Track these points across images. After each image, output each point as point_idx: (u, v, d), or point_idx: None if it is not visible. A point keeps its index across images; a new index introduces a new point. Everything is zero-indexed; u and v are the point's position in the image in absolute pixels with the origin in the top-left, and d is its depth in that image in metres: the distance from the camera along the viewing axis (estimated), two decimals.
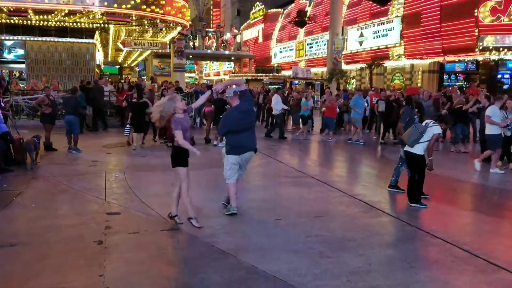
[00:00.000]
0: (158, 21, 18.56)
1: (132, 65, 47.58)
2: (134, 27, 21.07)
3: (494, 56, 22.49)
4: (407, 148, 6.90)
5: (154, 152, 11.39)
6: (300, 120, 15.33)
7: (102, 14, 17.16)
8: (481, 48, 21.97)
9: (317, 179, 8.64)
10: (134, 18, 18.01)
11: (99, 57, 29.48)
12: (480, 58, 23.16)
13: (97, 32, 21.88)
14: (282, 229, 5.69)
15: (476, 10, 21.76)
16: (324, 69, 34.62)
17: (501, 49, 21.65)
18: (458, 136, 12.29)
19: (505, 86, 23.03)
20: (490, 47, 21.84)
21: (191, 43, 44.51)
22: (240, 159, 6.17)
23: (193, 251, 4.93)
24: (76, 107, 11.40)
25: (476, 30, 21.92)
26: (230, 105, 6.35)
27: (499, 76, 24.18)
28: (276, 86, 30.21)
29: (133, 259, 4.60)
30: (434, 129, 6.69)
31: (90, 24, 19.52)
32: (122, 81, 20.69)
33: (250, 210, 6.48)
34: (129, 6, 16.78)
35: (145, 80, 30.24)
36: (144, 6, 17.03)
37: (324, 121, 15.00)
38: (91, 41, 21.07)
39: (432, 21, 24.90)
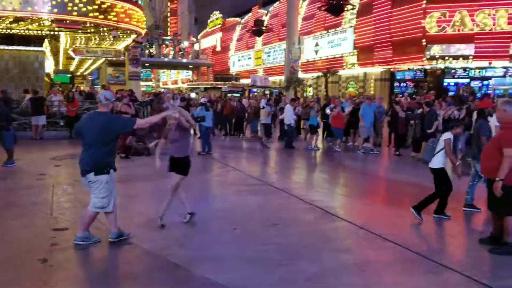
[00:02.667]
0: (111, 28, 18.13)
1: (85, 73, 46.30)
2: (86, 35, 20.50)
3: (441, 65, 23.47)
4: (429, 165, 6.76)
5: None
6: (310, 129, 15.08)
7: (52, 21, 16.56)
8: (428, 57, 22.86)
9: (274, 187, 8.64)
10: (85, 25, 17.50)
11: (49, 65, 28.47)
12: (427, 66, 24.10)
13: (46, 40, 21.12)
14: (239, 238, 5.62)
15: (423, 20, 22.64)
16: (282, 77, 35.03)
17: (446, 57, 22.63)
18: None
19: (451, 93, 24.03)
20: (437, 56, 22.77)
21: (147, 51, 43.92)
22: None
23: (144, 265, 4.77)
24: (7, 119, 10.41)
25: (424, 40, 22.79)
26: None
27: (446, 83, 25.25)
28: (236, 94, 30.28)
29: (80, 277, 4.39)
30: (444, 135, 6.66)
31: (39, 32, 18.82)
32: (73, 90, 20.04)
33: (207, 220, 6.36)
34: (80, 13, 16.31)
35: (98, 89, 29.50)
36: (97, 13, 16.58)
37: (332, 131, 14.53)
38: (40, 49, 20.28)
39: (383, 29, 25.70)
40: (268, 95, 31.76)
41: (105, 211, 5.34)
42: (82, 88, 26.11)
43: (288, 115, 14.54)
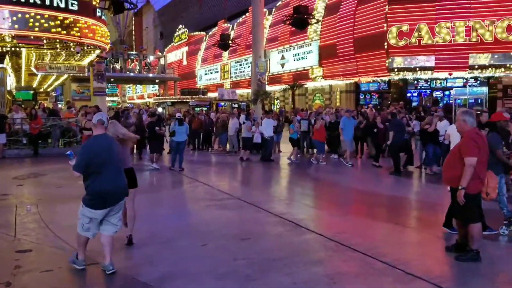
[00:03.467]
0: (74, 44, 17.81)
1: (48, 90, 45.17)
2: (48, 51, 20.05)
3: (404, 76, 24.20)
4: None
5: (71, 182, 10.74)
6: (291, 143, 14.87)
7: (13, 37, 16.16)
8: (391, 68, 23.53)
9: (243, 201, 8.63)
10: (48, 41, 17.14)
11: (10, 82, 27.68)
12: (393, 78, 24.78)
13: (7, 56, 20.54)
14: (209, 254, 5.57)
15: (385, 36, 23.31)
16: (249, 90, 35.18)
17: (408, 69, 23.37)
18: (430, 156, 11.99)
19: (414, 104, 24.80)
20: (399, 68, 23.48)
21: (112, 66, 43.30)
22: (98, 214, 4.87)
23: (113, 287, 4.65)
24: None
25: (387, 53, 23.45)
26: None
27: (409, 94, 26.02)
28: (204, 108, 30.20)
29: None
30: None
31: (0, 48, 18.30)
32: (36, 107, 19.52)
33: (176, 236, 6.29)
34: (42, 28, 15.98)
35: (62, 105, 28.85)
36: (59, 29, 16.29)
37: (313, 144, 14.75)
38: (0, 66, 19.75)
39: (347, 42, 26.29)
40: (235, 108, 31.84)
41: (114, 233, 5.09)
42: (45, 104, 25.40)
43: (267, 128, 14.56)
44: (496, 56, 21.93)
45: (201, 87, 44.07)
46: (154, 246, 5.83)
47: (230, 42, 30.77)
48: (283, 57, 33.12)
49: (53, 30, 16.04)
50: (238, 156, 16.18)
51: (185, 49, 51.26)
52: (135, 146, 13.66)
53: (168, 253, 5.61)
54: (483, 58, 22.15)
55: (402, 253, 5.58)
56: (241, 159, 14.76)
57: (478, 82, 24.05)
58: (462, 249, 5.39)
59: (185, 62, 51.34)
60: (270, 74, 34.09)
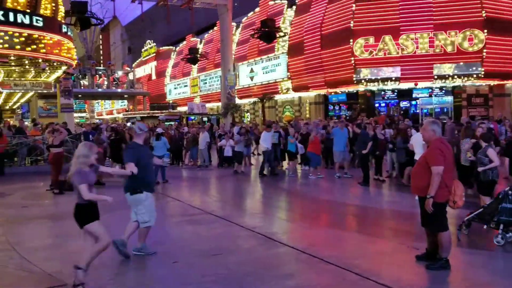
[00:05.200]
0: (40, 60, 17.51)
1: (14, 107, 43.98)
2: (13, 68, 19.61)
3: (372, 87, 24.74)
4: None
5: (38, 201, 10.52)
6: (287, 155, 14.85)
7: None
8: (358, 80, 24.04)
9: (214, 215, 8.59)
10: (12, 58, 16.80)
11: None
12: (360, 89, 25.27)
13: None
14: (179, 271, 5.52)
15: (351, 43, 23.80)
16: (219, 104, 35.24)
17: (375, 80, 23.93)
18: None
19: (382, 113, 25.32)
20: (366, 79, 24.01)
21: (80, 82, 42.67)
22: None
23: None
24: None
25: (353, 64, 23.95)
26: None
27: (377, 104, 26.58)
28: (172, 123, 29.97)
29: None
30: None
31: None
32: (1, 125, 19.01)
33: (144, 255, 6.20)
34: (6, 46, 15.65)
35: (28, 122, 28.12)
36: (24, 45, 16.01)
37: (307, 156, 14.13)
38: None
39: (314, 55, 26.71)
40: (206, 121, 31.80)
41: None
42: (11, 122, 24.73)
43: (266, 141, 14.15)
44: (459, 66, 22.68)
45: (171, 102, 43.81)
46: (120, 266, 5.73)
47: (198, 56, 30.84)
48: (252, 70, 33.36)
49: (18, 47, 15.77)
50: (209, 170, 16.15)
51: (153, 63, 50.96)
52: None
53: (136, 273, 5.55)
54: (447, 68, 22.90)
55: (374, 264, 5.64)
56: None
57: (443, 91, 24.79)
58: (432, 258, 5.45)
59: (154, 77, 51.00)
60: (239, 87, 34.24)
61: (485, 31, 22.15)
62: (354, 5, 24.06)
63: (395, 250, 6.37)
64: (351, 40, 23.73)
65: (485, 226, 6.56)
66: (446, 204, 5.40)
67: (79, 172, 4.93)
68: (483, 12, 22.29)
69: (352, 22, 23.86)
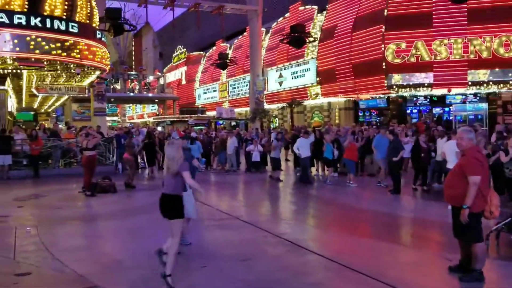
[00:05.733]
0: (74, 65, 18.00)
1: (49, 110, 45.38)
2: (49, 72, 20.24)
3: (405, 93, 24.33)
4: None
5: (71, 203, 10.78)
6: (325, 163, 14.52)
7: (14, 60, 16.33)
8: (389, 86, 23.67)
9: (242, 220, 8.61)
10: (48, 63, 17.33)
11: (11, 103, 27.85)
12: (392, 94, 24.91)
13: (8, 78, 20.74)
14: (208, 276, 5.55)
15: (383, 50, 23.51)
16: (247, 108, 35.37)
17: (407, 86, 23.52)
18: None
19: (414, 120, 24.86)
20: (398, 85, 23.62)
21: (113, 86, 43.64)
22: None
23: None
24: None
25: (385, 70, 23.62)
26: None
27: (408, 111, 26.11)
28: (201, 127, 30.30)
29: None
30: None
31: (0, 70, 18.47)
32: (37, 128, 19.60)
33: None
34: (43, 51, 16.17)
35: (62, 126, 28.91)
36: (60, 51, 16.49)
37: (345, 163, 13.94)
38: (1, 87, 19.94)
39: (344, 61, 26.50)
40: (235, 126, 31.97)
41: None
42: (46, 125, 25.50)
43: (303, 148, 13.68)
44: (495, 72, 22.05)
45: (200, 106, 44.27)
46: (151, 269, 5.78)
47: (228, 61, 31.06)
48: (281, 75, 33.36)
49: (54, 52, 16.23)
50: (237, 174, 16.17)
51: (184, 68, 51.66)
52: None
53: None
54: (482, 74, 22.30)
55: (405, 274, 5.53)
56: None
57: (478, 98, 24.13)
58: (466, 270, 5.30)
59: (184, 82, 51.69)
60: (268, 92, 34.28)
61: None
62: (386, 10, 23.78)
63: (427, 260, 6.22)
64: (383, 46, 23.44)
65: None
66: (481, 214, 5.25)
67: (183, 164, 5.37)
68: None
69: (384, 27, 23.58)
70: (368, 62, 24.52)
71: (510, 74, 21.84)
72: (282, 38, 23.94)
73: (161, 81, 50.06)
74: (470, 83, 22.42)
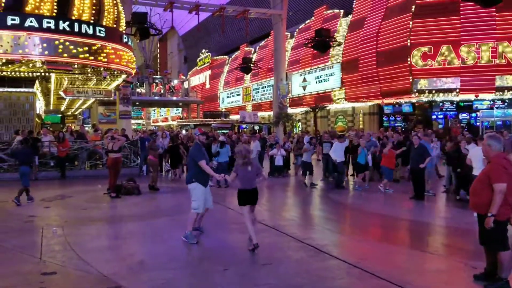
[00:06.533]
0: (101, 69, 18.36)
1: (76, 113, 46.41)
2: (76, 75, 20.70)
3: (431, 98, 23.93)
4: None
5: (96, 204, 10.95)
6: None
7: (43, 63, 16.76)
8: (415, 90, 23.32)
9: (265, 224, 8.58)
10: (76, 66, 17.72)
11: (40, 106, 28.58)
12: (415, 100, 24.54)
13: (37, 81, 21.28)
14: (230, 279, 5.55)
15: (409, 56, 23.21)
16: (271, 113, 35.38)
17: (433, 91, 23.12)
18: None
19: (440, 126, 24.42)
20: (424, 90, 23.26)
21: (138, 90, 44.33)
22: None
23: None
24: (29, 158, 11.41)
25: (410, 74, 23.29)
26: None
27: (434, 116, 25.65)
28: (225, 131, 30.44)
29: None
30: None
31: (30, 73, 18.98)
32: (64, 130, 20.04)
33: (197, 261, 6.30)
34: (71, 54, 16.55)
35: (88, 128, 29.50)
36: (87, 55, 16.85)
37: (382, 170, 13.57)
38: (30, 90, 20.44)
39: (369, 66, 26.25)
40: (257, 130, 32.00)
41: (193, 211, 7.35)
42: (73, 127, 26.08)
43: (337, 152, 13.47)
44: None
45: (223, 110, 44.54)
46: (176, 271, 5.83)
47: (252, 65, 31.17)
48: (304, 80, 33.28)
49: (81, 56, 16.59)
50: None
51: (208, 72, 52.09)
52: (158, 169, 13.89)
53: (188, 278, 5.61)
54: (510, 80, 21.77)
55: (428, 281, 5.44)
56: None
57: (506, 104, 23.55)
58: (491, 278, 5.20)
59: (208, 86, 52.11)
60: (291, 96, 34.22)
61: None
62: (413, 6, 23.46)
63: (451, 267, 6.10)
64: (409, 43, 23.12)
65: None
66: (507, 222, 5.15)
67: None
68: None
69: (410, 23, 23.25)
70: (393, 59, 24.22)
71: None
72: (306, 42, 23.89)
73: (185, 84, 50.59)
74: (497, 88, 21.92)
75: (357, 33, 27.64)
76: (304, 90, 33.37)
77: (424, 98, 24.07)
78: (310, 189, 13.45)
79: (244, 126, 37.17)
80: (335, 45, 24.83)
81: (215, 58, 51.49)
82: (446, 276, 5.71)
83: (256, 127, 34.43)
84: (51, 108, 37.43)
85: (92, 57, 16.96)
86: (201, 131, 9.88)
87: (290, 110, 33.59)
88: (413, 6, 23.40)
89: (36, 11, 16.00)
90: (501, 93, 22.16)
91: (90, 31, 16.86)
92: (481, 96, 23.10)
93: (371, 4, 27.33)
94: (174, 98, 47.43)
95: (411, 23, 23.37)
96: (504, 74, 21.78)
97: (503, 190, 4.93)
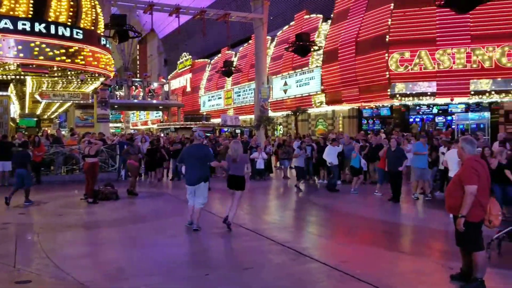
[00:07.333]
0: (79, 72, 18.07)
1: (52, 116, 45.53)
2: (53, 78, 20.33)
3: (408, 102, 24.28)
4: None
5: (73, 210, 10.73)
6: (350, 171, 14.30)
7: (18, 66, 16.41)
8: (392, 94, 23.64)
9: (246, 228, 8.54)
10: (52, 69, 17.39)
11: (14, 109, 27.97)
12: (396, 103, 24.87)
13: (11, 84, 20.83)
14: (211, 284, 5.49)
15: (386, 58, 23.49)
16: (252, 116, 35.37)
17: (410, 95, 23.47)
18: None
19: (418, 129, 24.77)
20: (401, 94, 23.58)
21: (116, 93, 43.79)
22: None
23: None
24: (26, 161, 11.35)
25: (388, 77, 23.59)
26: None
27: (411, 119, 26.05)
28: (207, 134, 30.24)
29: None
30: None
31: (4, 76, 18.56)
32: (39, 134, 19.61)
33: (178, 266, 6.20)
34: (47, 57, 16.25)
35: (65, 132, 28.97)
36: (64, 57, 16.55)
37: (377, 172, 13.64)
38: (4, 93, 20.03)
39: (348, 69, 26.49)
40: (238, 134, 31.95)
41: (202, 207, 8.35)
42: (49, 131, 25.53)
43: (330, 155, 13.60)
44: (497, 82, 22.01)
45: (205, 113, 44.34)
46: (153, 277, 5.73)
47: (233, 68, 31.11)
48: (285, 84, 33.41)
49: (58, 58, 16.31)
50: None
51: (188, 75, 51.81)
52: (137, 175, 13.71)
53: (169, 284, 5.51)
54: (484, 84, 22.25)
55: (408, 283, 5.50)
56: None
57: (480, 107, 24.07)
58: (467, 278, 5.29)
59: (188, 89, 51.81)
60: (273, 100, 34.30)
61: None
62: (390, 19, 23.79)
63: (429, 268, 6.18)
64: (386, 54, 23.44)
65: None
66: (481, 223, 5.26)
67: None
68: None
69: (388, 36, 23.60)
70: (372, 71, 24.51)
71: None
72: (287, 46, 23.96)
73: (166, 88, 50.19)
74: (472, 92, 22.38)
75: (339, 27, 27.90)
76: (285, 93, 33.49)
77: (397, 102, 24.43)
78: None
79: (225, 129, 37.08)
80: (315, 49, 24.99)
81: (196, 61, 51.27)
82: (424, 277, 5.77)
83: (238, 131, 34.35)
84: (27, 111, 36.68)
85: (69, 60, 16.69)
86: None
87: (271, 114, 33.66)
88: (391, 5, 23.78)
89: (11, 12, 15.66)
90: (476, 97, 22.62)
91: (67, 33, 16.59)
92: (456, 100, 23.54)
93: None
94: (154, 101, 47.01)
95: (390, 20, 23.69)
96: (478, 78, 22.25)
97: (474, 192, 5.04)
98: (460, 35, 22.39)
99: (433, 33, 22.80)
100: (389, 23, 23.71)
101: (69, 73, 18.28)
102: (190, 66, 51.59)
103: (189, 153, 8.51)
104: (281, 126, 37.83)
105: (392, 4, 23.89)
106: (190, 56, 51.96)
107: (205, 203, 8.51)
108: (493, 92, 22.15)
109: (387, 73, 23.52)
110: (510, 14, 21.74)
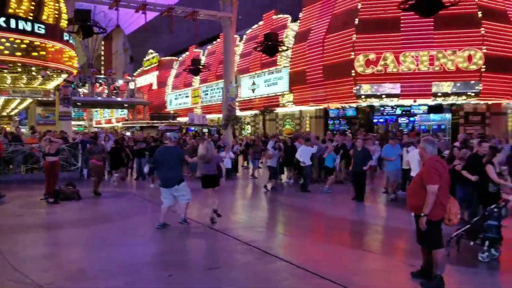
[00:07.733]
0: (40, 68, 17.48)
1: (12, 114, 43.92)
2: (13, 74, 19.58)
3: (373, 103, 24.79)
4: None
5: (32, 210, 10.38)
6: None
7: None
8: (358, 95, 24.09)
9: (211, 228, 8.49)
10: (11, 65, 16.75)
11: None
12: (363, 104, 25.34)
13: None
14: (175, 285, 5.42)
15: (353, 68, 23.90)
16: (220, 115, 35.25)
17: (375, 96, 23.98)
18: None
19: (383, 129, 25.35)
20: (366, 95, 24.06)
21: (80, 90, 42.70)
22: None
23: None
24: None
25: (354, 80, 24.02)
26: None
27: (375, 120, 26.63)
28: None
29: None
30: None
31: None
32: None
33: (141, 267, 6.09)
34: (7, 52, 15.65)
35: (25, 130, 28.04)
36: (25, 53, 15.99)
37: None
38: None
39: (316, 70, 26.80)
40: (206, 133, 31.77)
41: (188, 202, 8.59)
42: (8, 129, 24.60)
43: (305, 155, 13.39)
44: (457, 85, 22.77)
45: (171, 112, 43.84)
46: (115, 278, 5.61)
47: (201, 67, 30.89)
48: (254, 83, 33.47)
49: (18, 53, 15.73)
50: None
51: (155, 73, 51.10)
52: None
53: (131, 286, 5.41)
54: (446, 86, 22.97)
55: (370, 280, 5.60)
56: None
57: (441, 109, 24.85)
58: (427, 275, 5.44)
59: (155, 87, 51.10)
60: (241, 99, 34.29)
61: (484, 50, 22.27)
62: (357, 19, 24.21)
63: (391, 266, 6.33)
64: (353, 55, 23.83)
65: (471, 243, 6.55)
66: (441, 222, 5.41)
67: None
68: (482, 30, 22.45)
69: (354, 36, 23.99)
70: (339, 70, 24.87)
71: (471, 86, 22.63)
72: (255, 46, 24.00)
73: (131, 85, 49.33)
74: (434, 94, 23.09)
75: (303, 44, 28.18)
76: (253, 93, 33.56)
77: (363, 103, 24.92)
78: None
79: (192, 128, 36.77)
80: (283, 49, 25.15)
81: (163, 58, 50.62)
82: (386, 275, 5.90)
83: (205, 130, 34.16)
84: None
85: (29, 56, 16.12)
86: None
87: (239, 113, 33.64)
88: (356, 20, 24.20)
89: None
90: (437, 98, 23.32)
91: (29, 28, 16.04)
92: (418, 101, 24.22)
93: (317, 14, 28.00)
94: (119, 99, 46.12)
95: (354, 36, 24.10)
96: (440, 80, 22.96)
97: (435, 191, 5.18)
98: (424, 39, 23.01)
99: (397, 36, 23.35)
100: (356, 22, 24.16)
101: (33, 69, 17.63)
102: (157, 64, 50.91)
103: (164, 154, 8.35)
104: (248, 126, 37.87)
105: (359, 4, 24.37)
106: (157, 54, 51.27)
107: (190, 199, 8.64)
108: (453, 95, 22.91)
109: (352, 72, 23.92)
110: (472, 19, 22.51)
